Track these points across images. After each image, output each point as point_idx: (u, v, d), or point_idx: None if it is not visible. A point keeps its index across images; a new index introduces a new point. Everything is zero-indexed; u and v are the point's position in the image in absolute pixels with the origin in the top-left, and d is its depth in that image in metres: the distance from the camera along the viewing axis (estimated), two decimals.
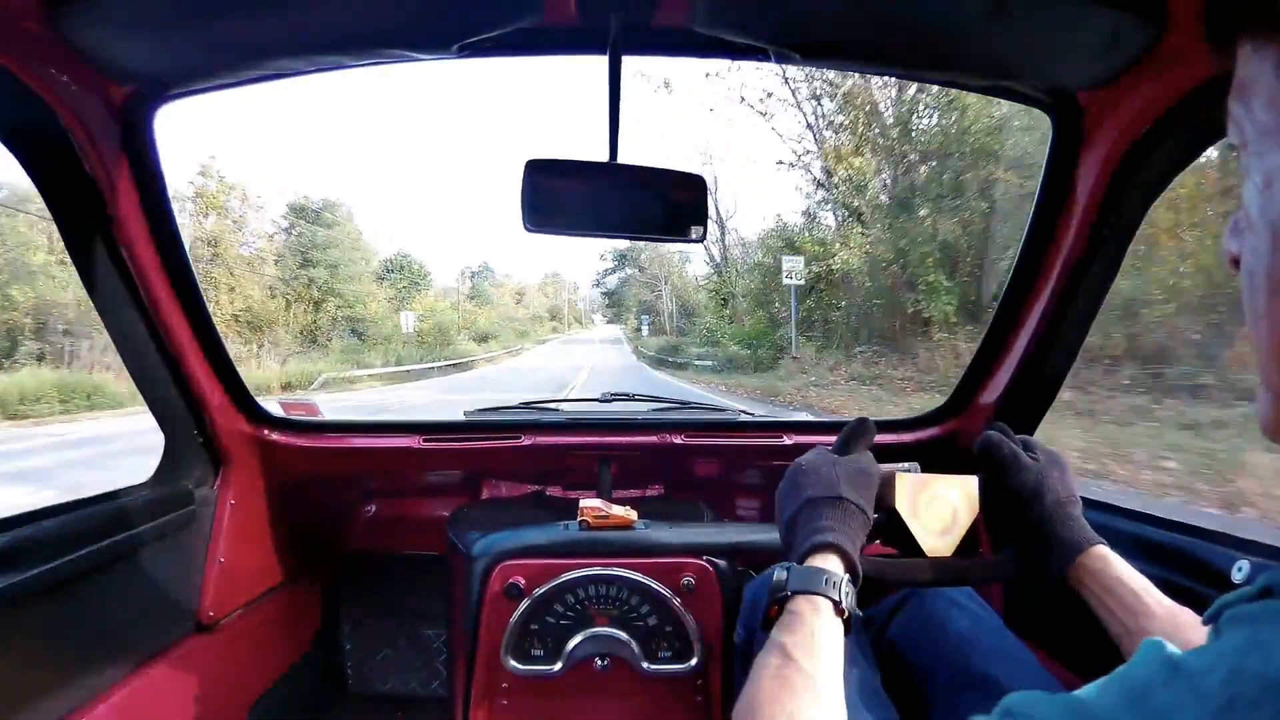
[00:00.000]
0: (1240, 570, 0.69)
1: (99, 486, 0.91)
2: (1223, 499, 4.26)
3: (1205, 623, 0.33)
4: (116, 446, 8.06)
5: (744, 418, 1.40)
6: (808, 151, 16.95)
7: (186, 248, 0.92)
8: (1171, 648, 0.31)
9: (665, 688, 1.07)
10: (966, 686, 0.72)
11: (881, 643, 0.84)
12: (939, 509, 0.71)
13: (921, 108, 13.72)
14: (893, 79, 11.57)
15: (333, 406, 9.15)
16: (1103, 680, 0.33)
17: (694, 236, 0.90)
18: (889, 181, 14.52)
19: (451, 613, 1.29)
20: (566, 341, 48.90)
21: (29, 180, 0.78)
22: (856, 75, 12.79)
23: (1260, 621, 0.28)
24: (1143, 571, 0.65)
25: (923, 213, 12.39)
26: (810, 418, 1.61)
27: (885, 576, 0.70)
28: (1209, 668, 0.28)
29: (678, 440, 1.27)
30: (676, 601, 1.05)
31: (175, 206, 0.90)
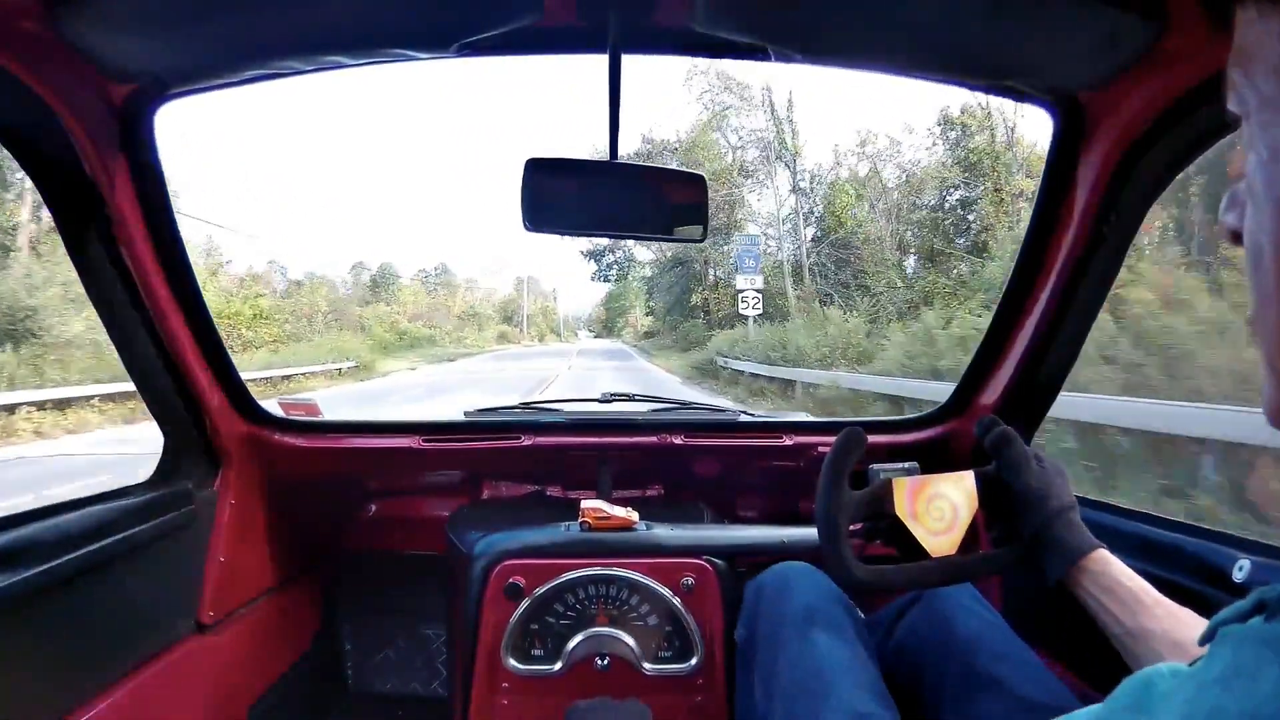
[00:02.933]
0: (1241, 569, 0.69)
1: None
2: None
3: (1202, 643, 0.31)
4: None
5: (744, 418, 1.40)
6: None
7: (186, 247, 0.92)
8: (1157, 669, 0.31)
9: (666, 688, 1.07)
10: (973, 688, 0.72)
11: (888, 645, 0.84)
12: (938, 508, 0.71)
13: None
14: None
15: None
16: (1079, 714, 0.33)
17: (694, 237, 0.90)
18: None
19: (451, 613, 1.29)
20: (521, 357, 28.31)
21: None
22: None
23: (1244, 645, 0.27)
24: (1143, 570, 0.65)
25: None
26: (809, 418, 1.60)
27: (890, 583, 0.70)
28: (1188, 697, 0.27)
29: (678, 441, 1.27)
30: (677, 601, 1.05)
31: None
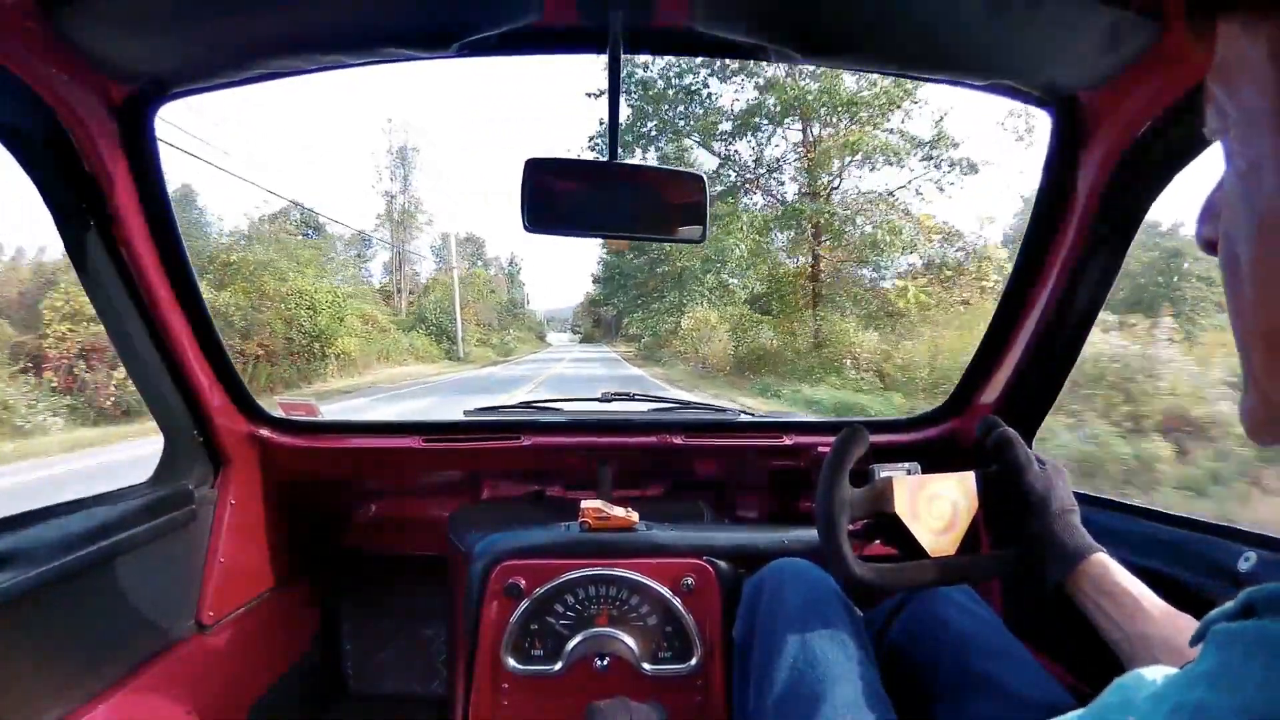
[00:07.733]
0: (1247, 561, 0.69)
1: None
2: None
3: (1193, 643, 0.31)
4: None
5: (744, 418, 1.39)
6: None
7: (185, 247, 0.92)
8: (1147, 673, 0.31)
9: (665, 688, 1.07)
10: (967, 686, 0.72)
11: (882, 644, 0.84)
12: (939, 508, 0.71)
13: None
14: None
15: None
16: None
17: (694, 237, 0.90)
18: None
19: (451, 613, 1.29)
20: None
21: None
22: None
23: (1233, 644, 0.27)
24: (1146, 567, 0.65)
25: None
26: (809, 418, 1.61)
27: (889, 582, 0.70)
28: (1176, 695, 0.27)
29: (678, 441, 1.27)
30: (676, 601, 1.05)
31: None
